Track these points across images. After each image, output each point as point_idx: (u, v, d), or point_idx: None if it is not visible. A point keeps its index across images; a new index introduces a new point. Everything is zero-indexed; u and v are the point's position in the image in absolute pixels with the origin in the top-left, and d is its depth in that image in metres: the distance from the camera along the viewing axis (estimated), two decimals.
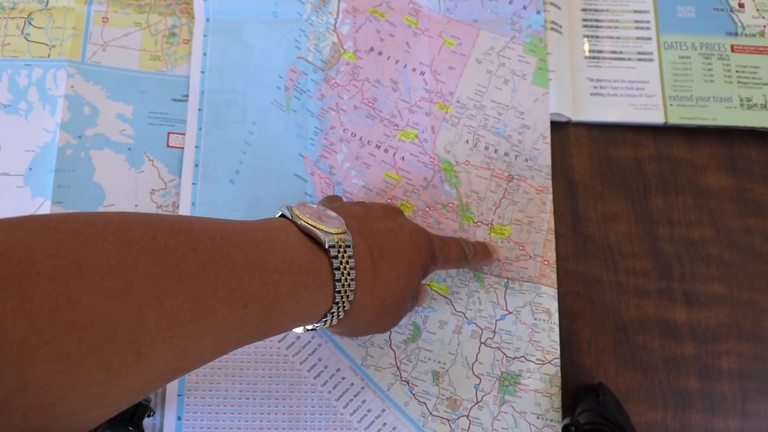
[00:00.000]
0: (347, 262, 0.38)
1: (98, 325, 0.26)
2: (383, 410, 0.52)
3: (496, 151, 0.57)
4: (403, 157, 0.57)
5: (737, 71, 0.59)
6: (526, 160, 0.57)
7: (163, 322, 0.29)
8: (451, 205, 0.56)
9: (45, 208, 0.53)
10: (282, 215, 0.40)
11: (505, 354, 0.53)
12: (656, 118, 0.59)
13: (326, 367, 0.52)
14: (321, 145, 0.57)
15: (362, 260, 0.39)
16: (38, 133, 0.55)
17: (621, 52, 0.60)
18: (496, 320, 0.54)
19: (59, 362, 0.25)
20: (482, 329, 0.54)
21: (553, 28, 0.60)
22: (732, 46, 0.60)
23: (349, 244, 0.38)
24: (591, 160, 0.59)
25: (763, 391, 0.54)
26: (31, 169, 0.55)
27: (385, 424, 0.52)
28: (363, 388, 0.52)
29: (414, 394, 0.52)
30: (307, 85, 0.58)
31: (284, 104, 0.57)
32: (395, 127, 0.57)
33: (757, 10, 0.60)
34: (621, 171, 0.59)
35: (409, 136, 0.57)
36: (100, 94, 0.57)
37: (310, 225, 0.38)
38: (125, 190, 0.55)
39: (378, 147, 0.57)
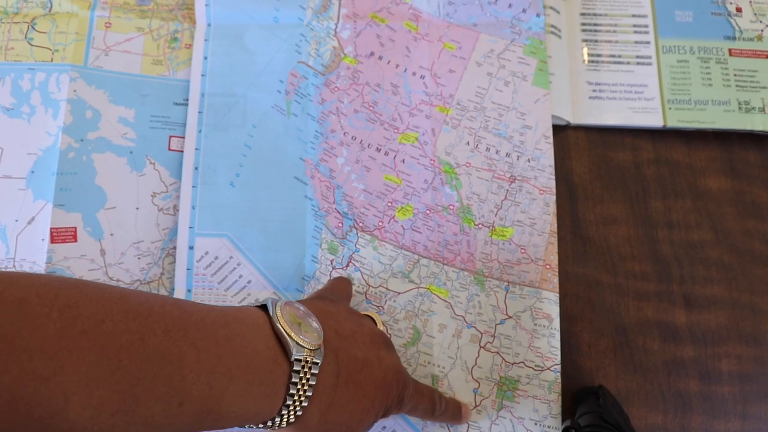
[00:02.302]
0: (307, 380, 0.36)
1: (14, 407, 0.25)
2: None
3: (497, 152, 0.57)
4: (403, 160, 0.57)
5: (735, 75, 0.59)
6: (529, 160, 0.57)
7: (87, 411, 0.27)
8: (452, 207, 0.56)
9: (47, 210, 0.54)
10: (264, 305, 0.39)
11: (504, 359, 0.53)
12: (655, 121, 0.59)
13: None
14: (321, 149, 0.57)
15: (325, 381, 0.38)
16: (40, 136, 0.56)
17: (620, 56, 0.61)
18: (496, 324, 0.54)
19: None
20: (482, 333, 0.54)
21: (552, 32, 0.61)
22: (730, 50, 0.60)
23: (317, 362, 0.36)
24: (590, 163, 0.60)
25: (763, 393, 0.54)
26: (33, 171, 0.55)
27: (384, 427, 0.52)
28: None
29: None
30: (307, 89, 0.58)
31: (285, 108, 0.58)
32: (395, 131, 0.58)
33: (755, 14, 0.61)
34: (620, 174, 0.59)
35: (409, 138, 0.57)
36: (102, 98, 0.57)
37: (285, 332, 0.36)
38: (126, 193, 0.55)
39: (378, 150, 0.57)
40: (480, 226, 0.56)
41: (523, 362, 0.53)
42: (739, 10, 0.61)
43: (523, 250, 0.55)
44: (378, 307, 0.54)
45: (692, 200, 0.59)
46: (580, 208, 0.58)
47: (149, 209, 0.55)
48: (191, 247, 0.54)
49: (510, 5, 0.61)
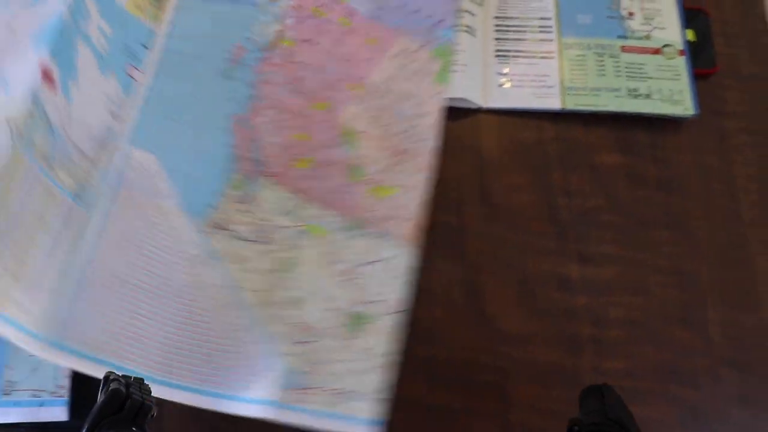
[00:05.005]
0: None
1: None
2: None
3: (394, 130, 0.65)
4: (314, 123, 0.65)
5: (626, 67, 0.68)
6: (417, 141, 0.65)
7: None
8: (344, 162, 0.64)
9: None
10: None
11: (364, 296, 0.59)
12: (554, 104, 0.67)
13: None
14: (250, 109, 0.66)
15: None
16: None
17: (526, 51, 0.69)
18: (366, 264, 0.60)
19: None
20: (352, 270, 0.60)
21: (467, 32, 0.69)
22: (622, 47, 0.69)
23: None
24: (499, 141, 0.67)
25: (647, 337, 0.60)
26: None
27: None
28: None
29: None
30: (249, 60, 0.67)
31: (229, 72, 0.67)
32: (313, 100, 0.66)
33: (644, 18, 0.70)
34: (526, 150, 0.67)
35: (322, 107, 0.66)
36: None
37: None
38: None
39: (296, 115, 0.66)
40: (366, 183, 0.63)
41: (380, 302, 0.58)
42: (631, 14, 0.70)
43: (399, 209, 0.62)
44: (267, 237, 0.61)
45: (589, 173, 0.66)
46: (490, 179, 0.65)
47: None
48: None
49: (429, 16, 0.70)
